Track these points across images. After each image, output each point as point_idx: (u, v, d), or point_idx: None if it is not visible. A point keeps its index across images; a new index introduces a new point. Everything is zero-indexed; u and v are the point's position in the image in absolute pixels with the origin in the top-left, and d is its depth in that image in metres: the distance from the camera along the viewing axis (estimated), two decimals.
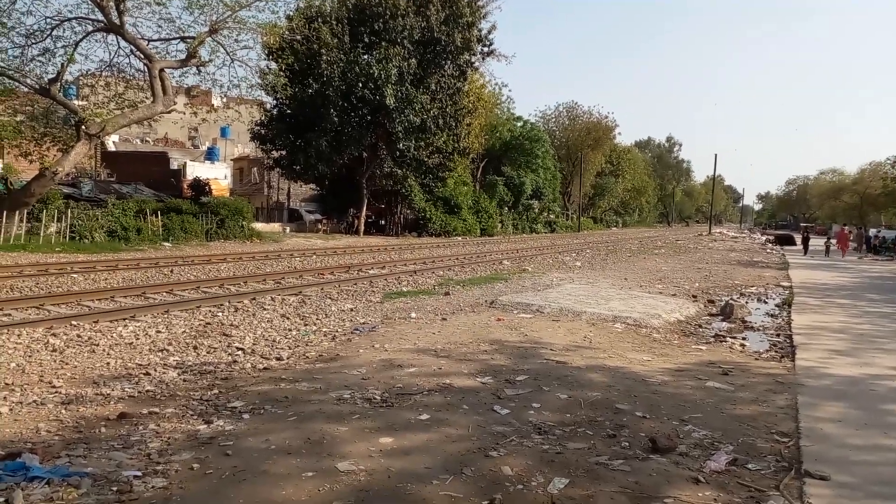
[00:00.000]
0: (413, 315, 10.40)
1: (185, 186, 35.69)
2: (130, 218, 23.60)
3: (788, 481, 4.20)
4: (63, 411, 5.24)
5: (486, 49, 39.58)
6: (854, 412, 5.70)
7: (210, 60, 24.82)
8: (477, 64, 40.29)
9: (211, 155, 48.77)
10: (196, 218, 26.21)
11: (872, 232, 42.30)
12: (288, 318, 10.00)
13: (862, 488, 4.08)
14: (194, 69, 25.14)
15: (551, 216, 61.51)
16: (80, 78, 27.27)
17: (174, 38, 24.16)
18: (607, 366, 7.28)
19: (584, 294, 13.10)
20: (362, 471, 4.13)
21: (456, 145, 38.24)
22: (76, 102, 24.48)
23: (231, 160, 51.91)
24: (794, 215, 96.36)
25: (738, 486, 4.16)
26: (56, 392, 5.74)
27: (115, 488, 3.76)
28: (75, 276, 14.21)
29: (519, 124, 56.54)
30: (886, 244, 38.41)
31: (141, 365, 6.83)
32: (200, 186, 32.75)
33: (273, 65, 29.44)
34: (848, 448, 4.80)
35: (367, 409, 5.41)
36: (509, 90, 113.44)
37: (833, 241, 35.26)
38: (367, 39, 34.10)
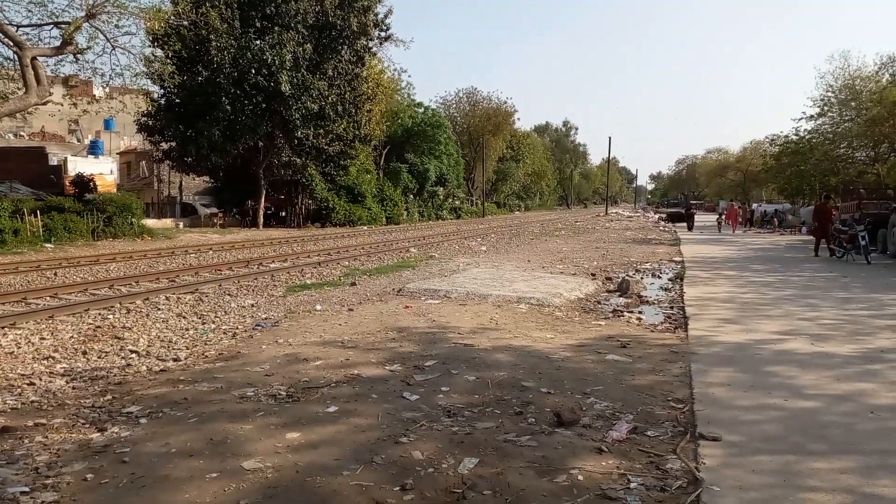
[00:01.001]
0: (318, 307, 10.22)
1: (68, 183, 33.33)
2: (6, 219, 21.81)
3: (684, 445, 4.43)
4: None
5: (383, 34, 39.29)
6: (741, 376, 6.08)
7: (89, 48, 23.20)
8: (375, 49, 39.94)
9: (94, 149, 45.80)
10: (80, 216, 24.61)
11: (756, 207, 45.23)
12: (184, 318, 9.58)
13: (749, 446, 4.36)
14: (71, 57, 23.45)
15: (456, 202, 62.09)
16: None
17: (47, 24, 22.40)
18: (513, 346, 7.43)
19: (489, 277, 13.31)
20: (269, 468, 4.01)
21: (357, 132, 37.72)
22: None
23: (117, 154, 48.96)
24: (685, 193, 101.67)
25: (639, 452, 4.35)
26: None
27: None
28: None
29: (420, 111, 56.59)
30: (768, 218, 41.28)
31: (24, 375, 6.34)
32: (84, 183, 30.67)
33: (159, 52, 27.92)
34: (737, 409, 5.12)
35: (271, 405, 5.27)
36: (409, 76, 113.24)
37: (723, 216, 37.18)
38: (258, 24, 33.00)
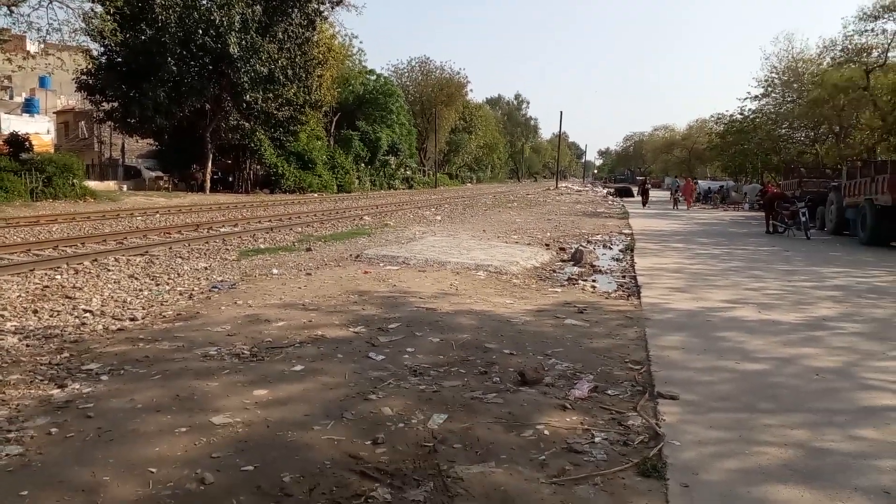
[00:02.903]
0: (275, 271, 10.10)
1: (1, 142, 31.77)
2: None
3: (644, 403, 4.61)
4: None
5: None
6: (694, 340, 6.33)
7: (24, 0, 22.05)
8: (326, 13, 38.92)
9: (30, 107, 43.68)
10: (18, 176, 23.53)
11: (702, 184, 46.21)
12: (137, 279, 9.34)
13: (705, 404, 4.57)
14: (5, 10, 22.23)
15: (408, 172, 61.70)
16: None
17: None
18: (474, 310, 7.53)
19: (446, 246, 13.37)
20: (239, 423, 4.01)
21: (307, 97, 36.92)
22: None
23: (54, 113, 46.79)
24: (631, 169, 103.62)
25: (601, 409, 4.51)
26: None
27: None
28: None
29: (372, 78, 55.78)
30: (712, 194, 42.42)
31: None
32: (19, 142, 29.15)
33: (99, 8, 26.67)
34: (691, 371, 5.34)
35: (236, 363, 5.23)
36: (360, 42, 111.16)
37: (679, 192, 37.13)
38: None
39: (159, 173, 38.68)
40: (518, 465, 3.58)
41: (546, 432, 4.05)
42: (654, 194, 37.27)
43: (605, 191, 59.98)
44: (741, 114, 40.98)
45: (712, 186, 45.67)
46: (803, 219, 18.04)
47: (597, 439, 3.97)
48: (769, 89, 39.43)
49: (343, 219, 21.40)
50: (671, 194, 39.80)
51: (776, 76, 39.24)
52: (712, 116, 51.71)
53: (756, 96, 39.86)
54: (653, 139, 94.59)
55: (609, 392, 4.86)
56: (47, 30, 23.63)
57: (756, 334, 6.62)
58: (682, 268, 11.59)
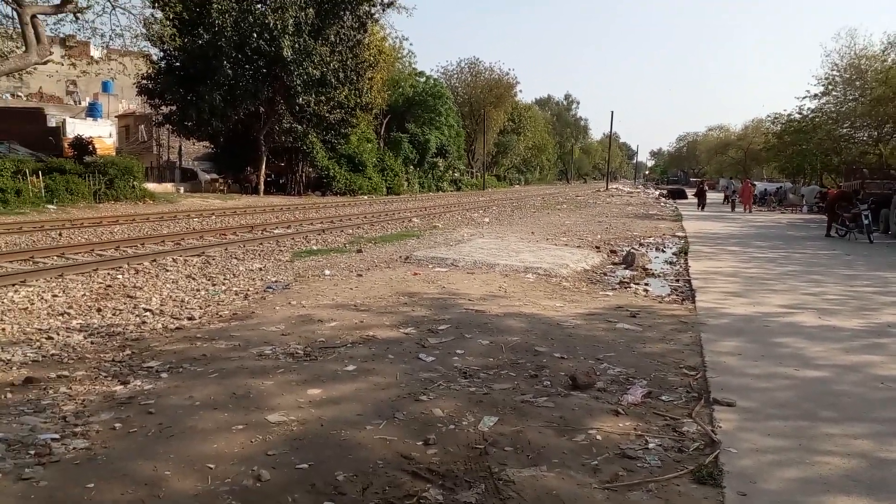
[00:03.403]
0: (327, 272, 10.26)
1: (66, 146, 33.05)
2: (8, 179, 21.70)
3: (699, 409, 4.52)
4: None
5: (385, 0, 38.71)
6: (751, 346, 6.17)
7: (89, 7, 22.84)
8: (377, 15, 39.33)
9: (93, 111, 45.35)
10: (82, 178, 24.48)
11: (758, 185, 44.69)
12: (194, 279, 9.62)
13: (762, 411, 4.45)
14: (71, 16, 23.11)
15: (456, 174, 61.77)
16: None
17: None
18: (523, 312, 7.50)
19: (495, 248, 13.35)
20: (294, 421, 4.09)
21: (358, 100, 37.36)
22: None
23: (115, 117, 48.51)
24: (685, 170, 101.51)
25: (655, 415, 4.43)
26: None
27: (32, 451, 3.55)
28: None
29: (422, 80, 56.02)
30: (768, 196, 41.15)
31: (41, 329, 6.39)
32: (83, 145, 30.37)
33: (159, 13, 27.54)
34: (748, 377, 5.20)
35: (290, 363, 5.34)
36: (410, 44, 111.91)
37: (736, 194, 35.13)
38: None
39: (215, 175, 39.68)
40: (570, 469, 3.55)
41: (598, 437, 4.01)
42: (708, 196, 35.44)
43: (657, 192, 58.89)
44: (800, 113, 39.63)
45: (769, 188, 44.32)
46: (866, 221, 17.32)
47: (650, 445, 3.91)
48: (830, 87, 38.03)
49: (392, 221, 21.58)
50: (726, 196, 38.48)
51: (837, 74, 37.84)
52: (769, 116, 50.17)
53: (816, 95, 38.48)
54: (707, 139, 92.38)
55: (663, 398, 4.78)
56: (110, 35, 24.51)
57: (816, 340, 6.41)
58: (737, 271, 11.30)
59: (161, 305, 7.69)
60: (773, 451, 3.79)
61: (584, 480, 3.42)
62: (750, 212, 32.27)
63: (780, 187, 44.22)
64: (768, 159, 54.76)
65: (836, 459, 3.67)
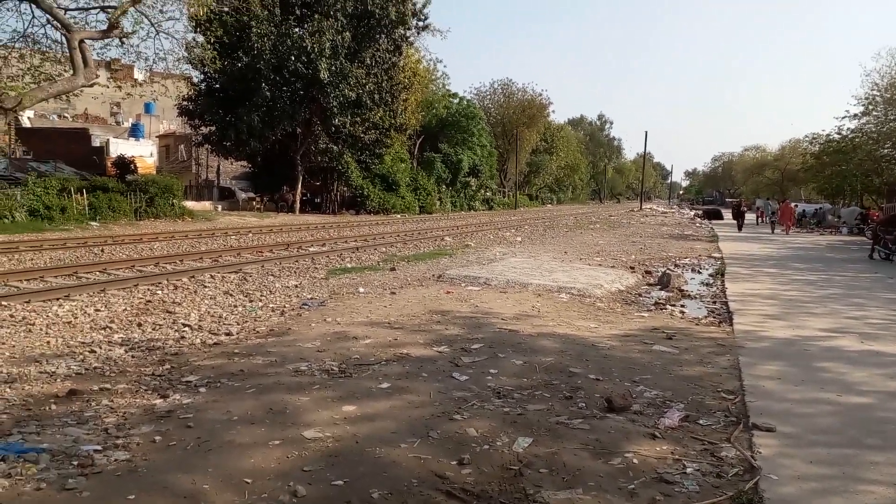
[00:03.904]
0: (361, 290, 10.34)
1: (109, 164, 34.04)
2: (53, 196, 22.43)
3: (738, 434, 4.43)
4: (7, 390, 4.99)
5: (420, 23, 39.26)
6: (792, 370, 6.04)
7: (134, 32, 23.59)
8: (412, 38, 39.93)
9: (135, 132, 46.66)
10: (124, 196, 25.16)
11: (799, 207, 43.54)
12: (231, 295, 9.78)
13: (804, 437, 4.35)
14: (117, 41, 23.86)
15: (488, 193, 61.90)
16: None
17: (94, 8, 22.81)
18: (557, 333, 7.45)
19: (528, 267, 13.32)
20: (329, 437, 4.13)
21: (392, 121, 37.83)
22: None
23: (156, 137, 49.81)
24: (720, 190, 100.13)
25: (692, 439, 4.36)
26: None
27: (75, 462, 3.64)
28: None
29: (455, 101, 56.42)
30: (806, 217, 40.27)
31: (84, 343, 6.56)
32: (126, 164, 31.29)
33: (201, 37, 28.33)
34: (789, 402, 5.09)
35: (325, 379, 5.38)
36: (444, 66, 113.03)
37: (776, 215, 33.78)
38: (298, 12, 33.22)
39: (252, 194, 40.39)
40: (606, 492, 3.51)
41: (635, 461, 3.96)
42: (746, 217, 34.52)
43: (692, 213, 58.12)
44: (839, 133, 38.94)
45: (807, 209, 43.41)
46: None
47: (688, 470, 3.85)
48: (870, 107, 37.30)
49: (425, 239, 21.68)
50: (766, 217, 37.31)
51: (878, 93, 37.11)
52: (807, 136, 49.38)
53: (856, 115, 37.77)
54: (743, 160, 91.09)
55: (700, 422, 4.71)
56: (154, 59, 25.25)
57: (858, 366, 6.25)
58: (776, 294, 11.08)
59: (199, 321, 7.83)
60: (816, 479, 3.70)
61: None
62: (788, 233, 31.43)
63: (819, 208, 43.30)
64: (806, 180, 53.75)
65: (880, 489, 3.57)
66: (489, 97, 72.96)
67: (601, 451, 4.10)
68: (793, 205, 36.05)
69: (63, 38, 22.03)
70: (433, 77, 53.97)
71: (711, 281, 13.42)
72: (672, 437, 4.38)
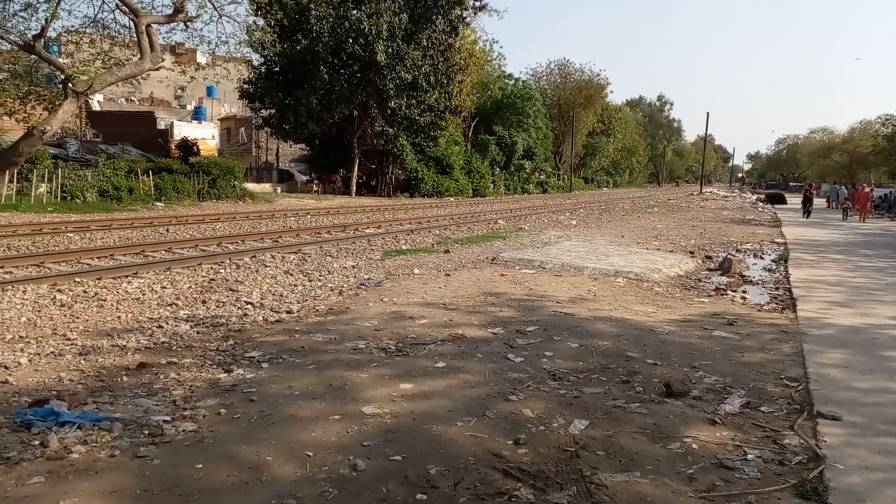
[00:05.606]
0: (416, 271, 10.44)
1: (173, 147, 35.13)
2: (122, 178, 23.30)
3: (802, 422, 4.33)
4: (82, 361, 5.26)
5: (477, 3, 38.94)
6: (859, 358, 5.84)
7: (197, 16, 24.18)
8: (468, 19, 39.63)
9: (198, 114, 47.98)
10: (187, 178, 25.92)
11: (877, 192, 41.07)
12: (291, 275, 10.01)
13: (872, 427, 4.21)
14: (181, 25, 24.49)
15: (542, 176, 61.24)
16: (63, 35, 26.56)
17: None
18: (614, 317, 7.38)
19: (583, 251, 13.18)
20: (387, 414, 4.21)
21: (448, 103, 37.73)
22: (60, 60, 23.89)
23: (218, 120, 51.09)
24: (784, 174, 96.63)
25: (754, 426, 4.28)
26: (72, 344, 5.75)
27: (146, 432, 3.82)
28: (70, 235, 14.10)
29: (510, 82, 55.84)
30: (876, 202, 38.37)
31: (152, 319, 6.84)
32: (188, 147, 32.26)
33: (261, 21, 28.81)
34: (855, 391, 4.94)
35: (383, 357, 5.48)
36: (500, 47, 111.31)
37: (849, 201, 31.86)
38: None
39: (310, 177, 41.09)
40: (665, 476, 3.48)
41: (694, 446, 3.91)
42: (796, 202, 31.79)
43: (754, 197, 56.32)
44: None
45: (877, 194, 41.39)
46: None
47: (749, 457, 3.78)
48: None
49: (478, 222, 21.66)
50: (838, 203, 35.23)
51: None
52: (879, 118, 47.14)
53: None
54: (809, 142, 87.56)
55: (762, 409, 4.61)
56: (216, 42, 25.86)
57: None
58: (842, 280, 10.69)
59: (261, 299, 8.06)
60: (884, 469, 3.59)
61: (679, 489, 3.35)
62: (863, 220, 28.99)
63: (890, 192, 41.29)
64: (877, 163, 51.36)
65: None
66: (545, 78, 71.89)
67: (659, 435, 4.06)
68: (867, 189, 32.74)
69: (131, 23, 22.72)
70: (489, 58, 53.47)
71: (774, 266, 13.02)
72: (732, 424, 4.30)
